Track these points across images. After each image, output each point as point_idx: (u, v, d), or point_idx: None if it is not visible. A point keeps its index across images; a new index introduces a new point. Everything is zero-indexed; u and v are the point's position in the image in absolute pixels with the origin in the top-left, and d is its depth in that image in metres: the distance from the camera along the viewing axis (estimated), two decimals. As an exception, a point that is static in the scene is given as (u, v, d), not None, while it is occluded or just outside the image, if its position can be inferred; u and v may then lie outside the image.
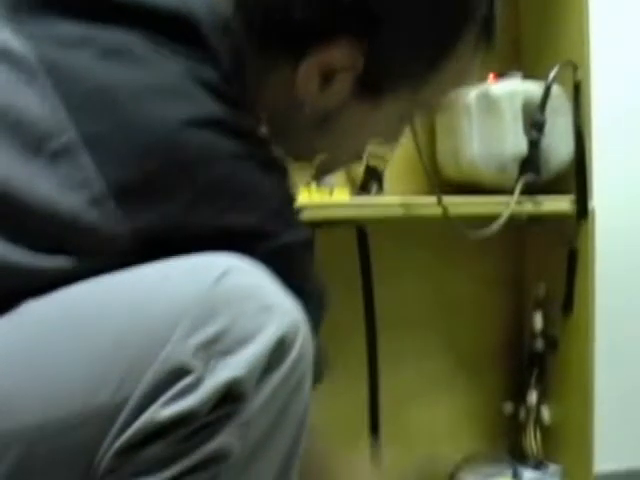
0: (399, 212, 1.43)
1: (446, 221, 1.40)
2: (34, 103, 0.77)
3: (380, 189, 1.52)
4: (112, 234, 0.76)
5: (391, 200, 1.46)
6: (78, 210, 0.75)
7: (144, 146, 0.77)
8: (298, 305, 0.76)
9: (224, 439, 0.70)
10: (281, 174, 0.86)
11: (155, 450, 0.69)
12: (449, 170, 1.62)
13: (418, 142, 1.37)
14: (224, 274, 0.73)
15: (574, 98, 1.57)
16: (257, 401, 0.71)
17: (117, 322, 0.72)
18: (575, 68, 1.55)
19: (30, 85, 0.78)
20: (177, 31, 0.82)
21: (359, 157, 1.08)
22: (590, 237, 1.60)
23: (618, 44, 2.01)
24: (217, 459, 0.70)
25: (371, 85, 0.89)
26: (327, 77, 0.87)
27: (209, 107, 0.80)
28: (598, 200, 1.60)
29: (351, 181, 1.53)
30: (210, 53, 0.83)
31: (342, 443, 1.52)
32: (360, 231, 1.52)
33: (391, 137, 1.03)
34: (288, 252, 0.82)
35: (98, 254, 0.76)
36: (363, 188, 1.51)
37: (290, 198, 0.87)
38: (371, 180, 1.51)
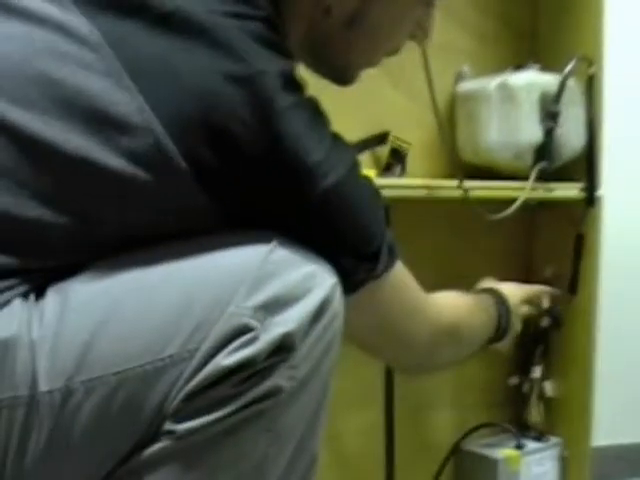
0: (421, 193, 1.47)
1: (465, 203, 1.43)
2: (103, 82, 0.81)
3: (403, 171, 1.55)
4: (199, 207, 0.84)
5: (414, 182, 1.50)
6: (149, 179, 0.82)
7: (206, 107, 0.81)
8: (333, 271, 0.86)
9: (276, 380, 0.80)
10: (320, 110, 0.90)
11: (218, 392, 0.79)
12: (468, 155, 1.64)
13: (441, 128, 1.41)
14: (275, 247, 0.83)
15: (587, 91, 1.60)
16: (303, 349, 0.81)
17: (189, 285, 0.81)
18: (590, 63, 1.58)
19: (96, 61, 0.82)
20: None
21: (395, 52, 1.11)
22: (597, 223, 1.64)
23: (633, 39, 2.06)
24: (269, 396, 0.80)
25: None
26: None
27: (260, 62, 0.84)
28: (606, 188, 1.64)
29: (376, 163, 1.56)
30: (252, 4, 0.87)
31: (358, 406, 1.63)
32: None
33: (422, 35, 1.11)
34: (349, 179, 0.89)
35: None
36: (387, 170, 1.55)
37: (333, 136, 0.91)
38: (395, 162, 1.55)
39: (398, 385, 1.63)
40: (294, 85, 0.87)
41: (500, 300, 1.32)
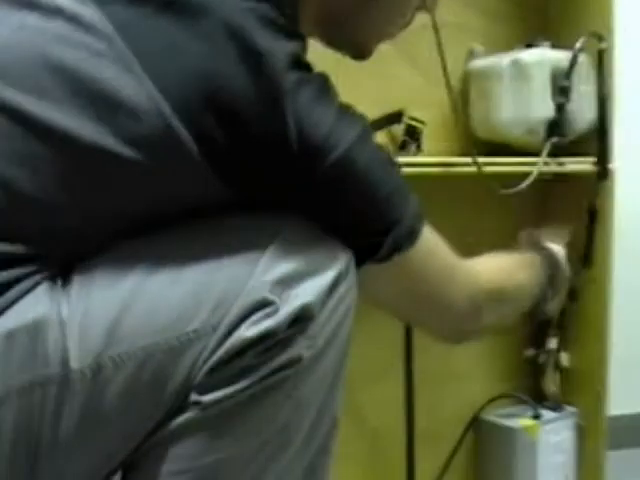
0: (437, 170, 1.48)
1: (479, 179, 1.44)
2: (114, 69, 0.83)
3: (419, 149, 1.56)
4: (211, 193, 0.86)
5: (429, 159, 1.51)
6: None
7: (214, 89, 0.83)
8: (347, 248, 0.89)
9: (296, 349, 0.83)
10: (328, 85, 0.91)
11: (241, 362, 0.82)
12: (481, 132, 1.65)
13: (455, 106, 1.42)
14: (289, 225, 0.87)
15: (598, 66, 1.60)
16: (320, 319, 0.85)
17: (210, 263, 0.84)
18: (600, 39, 1.58)
19: (107, 49, 0.83)
20: None
21: (408, 23, 1.13)
22: (609, 196, 1.65)
23: None
24: (290, 365, 0.83)
25: None
26: None
27: (267, 43, 0.85)
28: (618, 162, 1.64)
29: (392, 141, 1.57)
30: None
31: (379, 379, 1.65)
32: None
33: (428, 3, 1.13)
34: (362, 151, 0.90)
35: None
36: (402, 148, 1.55)
37: (340, 103, 0.92)
38: (410, 141, 1.55)
39: (417, 358, 1.65)
40: (300, 64, 0.88)
41: (551, 260, 1.33)
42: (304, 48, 0.91)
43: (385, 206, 0.92)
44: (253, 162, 0.86)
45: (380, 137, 1.55)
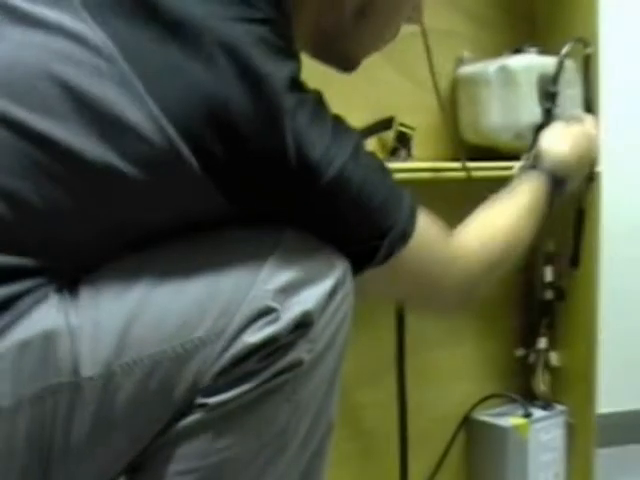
0: (427, 176, 1.49)
1: (469, 183, 1.45)
2: (117, 89, 0.83)
3: (409, 155, 1.58)
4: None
5: (419, 165, 1.52)
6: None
7: (216, 110, 0.84)
8: (344, 257, 0.91)
9: (297, 353, 0.86)
10: (323, 102, 0.93)
11: (245, 367, 0.85)
12: (470, 137, 1.68)
13: (444, 111, 1.46)
14: (289, 236, 0.89)
15: (584, 71, 1.62)
16: (320, 325, 0.87)
17: (213, 273, 0.86)
18: (586, 44, 1.61)
19: (110, 70, 0.84)
20: None
21: (395, 36, 1.15)
22: (596, 198, 1.67)
23: (626, 21, 2.08)
24: (292, 368, 0.86)
25: None
26: None
27: (265, 65, 0.86)
28: (604, 164, 1.65)
29: (382, 147, 1.58)
30: (253, 7, 0.89)
31: (372, 381, 1.67)
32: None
33: (414, 16, 1.15)
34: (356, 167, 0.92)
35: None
36: (393, 154, 1.57)
37: (336, 121, 0.93)
38: (400, 147, 1.57)
39: (409, 360, 1.66)
40: (297, 85, 0.89)
41: (548, 174, 1.31)
42: (300, 68, 0.92)
43: (380, 214, 0.95)
44: (253, 178, 0.88)
45: (371, 143, 1.57)
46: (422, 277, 1.06)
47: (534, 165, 1.33)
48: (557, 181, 1.31)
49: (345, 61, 1.14)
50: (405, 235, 0.98)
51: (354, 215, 0.93)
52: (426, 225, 1.03)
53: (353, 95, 1.44)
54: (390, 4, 1.10)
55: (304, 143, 0.88)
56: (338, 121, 0.94)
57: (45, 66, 0.84)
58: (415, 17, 1.16)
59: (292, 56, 0.91)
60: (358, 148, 0.94)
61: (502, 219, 1.21)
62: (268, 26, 0.89)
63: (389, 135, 1.59)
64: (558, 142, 1.38)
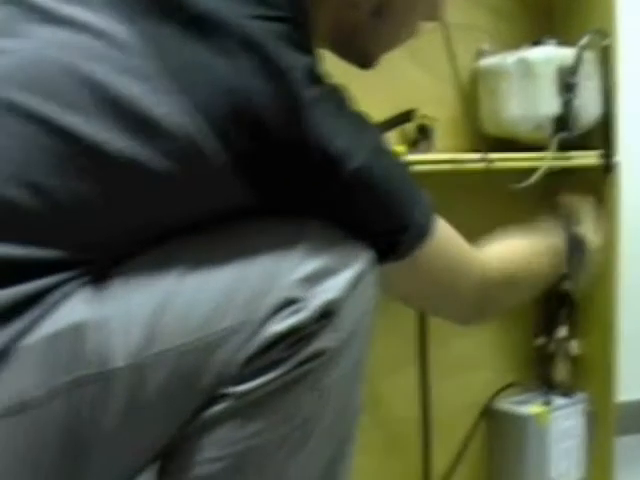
0: (448, 167, 1.50)
1: (489, 174, 1.47)
2: (145, 85, 0.85)
3: (430, 147, 1.59)
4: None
5: (440, 156, 1.53)
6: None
7: (242, 103, 0.86)
8: (367, 247, 0.93)
9: (321, 342, 0.88)
10: (343, 96, 0.95)
11: (271, 356, 0.86)
12: (491, 129, 1.68)
13: (464, 104, 1.49)
14: (313, 227, 0.91)
15: (602, 62, 1.63)
16: (344, 314, 0.89)
17: (240, 264, 0.88)
18: (604, 36, 1.61)
19: (136, 65, 0.85)
20: None
21: (414, 34, 1.17)
22: (615, 188, 1.68)
23: None
24: (316, 356, 0.88)
25: None
26: None
27: (287, 60, 0.88)
28: (622, 156, 1.68)
29: (404, 139, 1.59)
30: (273, 6, 0.91)
31: (395, 371, 1.69)
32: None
33: (434, 15, 1.17)
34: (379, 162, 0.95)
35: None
36: (414, 146, 1.58)
37: (357, 116, 0.96)
38: (422, 139, 1.58)
39: (431, 350, 1.68)
40: (318, 78, 0.91)
41: (573, 241, 1.35)
42: (319, 63, 0.94)
43: (400, 209, 0.97)
44: (277, 171, 0.90)
45: (393, 136, 1.58)
46: (439, 278, 1.09)
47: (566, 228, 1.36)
48: (576, 253, 1.35)
49: (363, 58, 1.16)
50: (424, 232, 1.01)
51: (374, 208, 0.95)
52: (446, 229, 1.06)
53: (375, 89, 1.45)
54: (406, 4, 1.12)
55: (326, 135, 0.89)
56: (360, 116, 0.96)
57: (71, 63, 0.85)
58: (437, 16, 1.18)
59: (310, 52, 0.93)
60: (379, 143, 0.97)
61: (523, 248, 1.25)
62: (286, 24, 0.91)
63: (410, 127, 1.60)
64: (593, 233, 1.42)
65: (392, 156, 0.99)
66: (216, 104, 0.86)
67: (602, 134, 1.67)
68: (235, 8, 0.89)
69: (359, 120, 0.96)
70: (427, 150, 1.59)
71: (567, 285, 1.74)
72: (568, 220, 1.40)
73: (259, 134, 0.87)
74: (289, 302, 0.87)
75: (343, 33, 1.10)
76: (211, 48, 0.87)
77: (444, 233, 1.06)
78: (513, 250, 1.24)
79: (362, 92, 0.99)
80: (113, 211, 0.87)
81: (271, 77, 0.87)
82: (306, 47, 0.92)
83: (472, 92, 1.71)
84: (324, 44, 1.08)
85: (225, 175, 0.88)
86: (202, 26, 0.87)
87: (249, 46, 0.87)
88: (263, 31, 0.88)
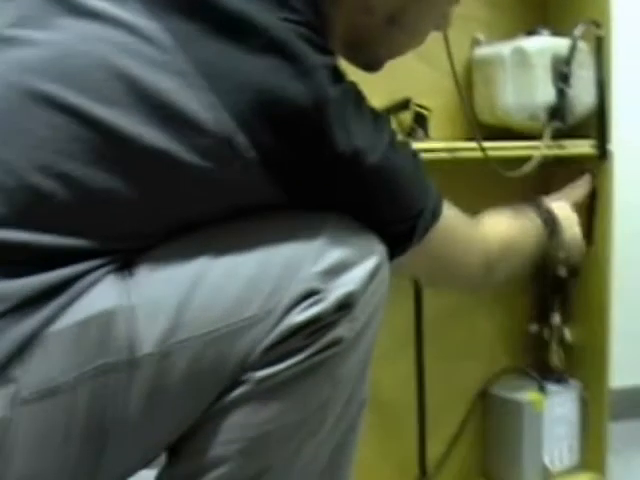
0: (443, 156, 1.53)
1: (485, 163, 1.47)
2: (176, 80, 0.87)
3: (426, 135, 1.60)
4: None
5: (436, 145, 1.55)
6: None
7: (269, 100, 0.89)
8: (382, 242, 0.97)
9: (339, 332, 0.90)
10: (361, 94, 0.99)
11: (290, 344, 0.89)
12: (486, 117, 1.69)
13: (460, 93, 1.46)
14: (332, 221, 0.94)
15: (596, 52, 1.64)
16: (361, 305, 0.92)
17: (263, 256, 0.91)
18: (598, 26, 1.62)
19: (168, 61, 0.87)
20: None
21: (423, 42, 1.20)
22: (608, 176, 1.69)
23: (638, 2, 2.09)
24: (333, 345, 0.90)
25: None
26: None
27: (312, 59, 0.91)
28: (616, 143, 1.69)
29: (400, 128, 1.60)
30: (298, 12, 0.93)
31: (391, 357, 1.70)
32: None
33: (443, 25, 1.21)
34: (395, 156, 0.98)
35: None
36: (410, 134, 1.59)
37: (373, 114, 0.99)
38: (417, 127, 1.59)
39: (427, 337, 1.70)
40: (340, 77, 0.95)
41: (547, 215, 1.40)
42: (338, 62, 0.97)
43: (415, 196, 1.02)
44: (302, 166, 0.92)
45: (389, 124, 1.59)
46: (449, 253, 1.14)
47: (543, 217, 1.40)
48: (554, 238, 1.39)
49: (372, 62, 1.18)
50: (436, 214, 1.05)
51: (393, 199, 0.99)
52: (450, 209, 1.11)
53: (371, 78, 1.41)
54: (420, 13, 1.14)
55: (350, 130, 0.92)
56: (375, 111, 0.99)
57: (102, 57, 0.88)
58: (443, 25, 1.21)
59: (331, 53, 0.96)
60: (394, 137, 1.00)
61: (512, 223, 1.33)
62: (307, 27, 0.93)
63: (406, 116, 1.61)
64: (573, 221, 1.47)
65: (404, 147, 1.03)
66: (243, 100, 0.88)
67: (596, 123, 1.68)
68: (261, 10, 0.91)
69: (375, 116, 0.99)
70: (423, 138, 1.60)
71: (561, 272, 1.77)
72: (544, 205, 1.43)
73: (286, 131, 0.90)
74: (310, 293, 0.90)
75: (356, 37, 1.12)
76: (238, 45, 0.89)
77: (449, 211, 1.11)
78: (505, 223, 1.31)
79: (359, 81, 1.01)
80: (143, 202, 0.89)
81: (297, 75, 0.89)
82: (326, 48, 0.95)
83: (468, 81, 1.72)
84: (338, 47, 1.10)
85: (252, 169, 0.90)
86: (229, 23, 0.89)
87: (276, 46, 0.90)
88: (289, 32, 0.91)
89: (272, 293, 0.90)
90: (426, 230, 1.04)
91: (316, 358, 0.90)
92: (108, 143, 0.87)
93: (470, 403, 1.82)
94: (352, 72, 1.03)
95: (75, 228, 0.87)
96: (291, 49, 0.90)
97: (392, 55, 1.19)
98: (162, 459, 0.97)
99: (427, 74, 1.66)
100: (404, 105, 1.60)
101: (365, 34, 1.12)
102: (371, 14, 1.10)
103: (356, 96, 0.97)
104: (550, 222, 1.39)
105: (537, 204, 1.42)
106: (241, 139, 0.88)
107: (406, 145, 1.05)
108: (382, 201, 0.99)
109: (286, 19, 0.92)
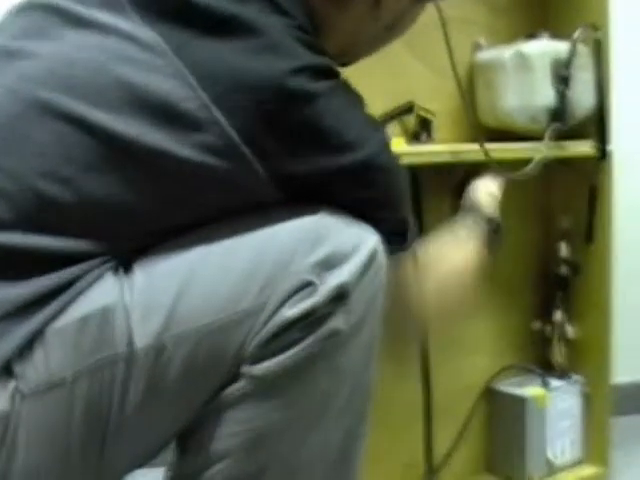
0: (447, 158, 1.54)
1: (487, 164, 1.49)
2: (171, 83, 0.89)
3: (430, 138, 1.62)
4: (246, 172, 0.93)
5: (439, 148, 1.57)
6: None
7: (261, 98, 0.90)
8: (374, 230, 0.97)
9: (334, 324, 0.92)
10: (357, 94, 1.01)
11: (286, 337, 0.91)
12: (488, 120, 1.71)
13: (462, 96, 1.49)
14: (323, 214, 0.95)
15: (595, 55, 1.66)
16: (356, 296, 0.93)
17: (256, 250, 0.93)
18: (596, 29, 1.65)
19: (163, 65, 0.89)
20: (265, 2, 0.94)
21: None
22: (608, 175, 1.72)
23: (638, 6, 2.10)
24: (330, 337, 0.92)
25: None
26: None
27: (305, 58, 0.93)
28: (615, 144, 1.72)
29: (404, 132, 1.62)
30: (289, 15, 0.96)
31: (395, 351, 1.71)
32: (413, 175, 1.52)
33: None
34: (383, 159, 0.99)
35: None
36: (415, 138, 1.61)
37: (368, 115, 1.01)
38: (421, 131, 1.61)
39: (432, 335, 1.67)
40: (332, 74, 0.97)
41: (488, 222, 1.35)
42: (332, 61, 0.99)
43: (397, 204, 1.03)
44: (294, 159, 0.94)
45: (393, 128, 1.61)
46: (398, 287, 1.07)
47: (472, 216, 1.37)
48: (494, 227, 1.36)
49: (351, 62, 1.19)
50: (410, 243, 1.05)
51: (380, 198, 1.00)
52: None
53: (374, 82, 1.46)
54: (410, 20, 1.17)
55: (339, 122, 0.94)
56: (370, 115, 1.01)
57: (102, 64, 0.90)
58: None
59: (323, 52, 0.98)
60: (386, 137, 1.02)
61: (450, 245, 1.24)
62: (299, 29, 0.96)
63: (410, 120, 1.63)
64: (487, 197, 1.44)
65: (393, 152, 1.04)
66: (237, 99, 0.90)
67: (596, 124, 1.70)
68: (253, 12, 0.93)
69: (369, 117, 1.01)
70: (427, 142, 1.62)
71: (563, 270, 1.79)
72: (477, 209, 1.40)
73: (279, 127, 0.92)
74: (303, 285, 0.91)
75: (353, 41, 1.14)
76: (230, 45, 0.91)
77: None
78: (444, 249, 1.23)
79: (362, 85, 1.03)
80: (141, 202, 0.91)
81: (289, 74, 0.91)
82: (319, 48, 0.97)
83: (470, 85, 1.74)
84: (329, 47, 1.11)
85: (246, 166, 0.92)
86: (221, 25, 0.92)
87: (268, 44, 0.92)
88: (281, 31, 0.93)
89: (265, 286, 0.90)
90: (409, 244, 1.04)
91: (312, 350, 0.91)
92: (109, 147, 0.88)
93: (475, 399, 1.83)
94: (356, 76, 1.05)
95: (78, 231, 0.89)
96: (282, 46, 0.92)
97: (371, 54, 1.21)
98: (165, 458, 1.00)
99: (430, 78, 1.68)
100: (408, 109, 1.62)
101: (362, 38, 1.15)
102: (378, 20, 1.12)
103: (348, 94, 0.98)
104: (494, 225, 1.37)
105: (476, 217, 1.37)
106: (233, 136, 0.90)
107: (396, 158, 1.05)
108: (369, 198, 0.99)
109: (279, 21, 0.94)
